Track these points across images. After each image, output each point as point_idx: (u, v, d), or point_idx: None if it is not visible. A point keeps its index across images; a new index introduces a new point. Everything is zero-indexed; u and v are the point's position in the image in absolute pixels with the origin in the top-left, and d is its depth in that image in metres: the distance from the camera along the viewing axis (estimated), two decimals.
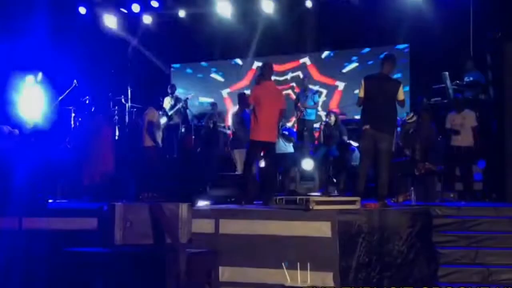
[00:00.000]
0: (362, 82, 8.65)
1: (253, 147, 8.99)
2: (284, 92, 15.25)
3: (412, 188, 9.30)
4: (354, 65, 15.13)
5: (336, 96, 15.25)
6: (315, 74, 15.34)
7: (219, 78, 16.62)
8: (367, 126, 8.39)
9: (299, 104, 13.29)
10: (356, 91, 9.15)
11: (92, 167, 9.87)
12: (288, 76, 15.76)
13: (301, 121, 13.26)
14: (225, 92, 16.44)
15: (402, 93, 8.54)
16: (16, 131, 10.38)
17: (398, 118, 11.47)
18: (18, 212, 7.90)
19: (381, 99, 8.38)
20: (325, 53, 15.65)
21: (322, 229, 6.56)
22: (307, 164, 11.44)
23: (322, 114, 14.53)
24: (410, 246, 7.27)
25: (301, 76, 14.78)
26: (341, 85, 15.16)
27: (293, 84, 15.45)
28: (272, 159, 9.16)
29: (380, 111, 8.38)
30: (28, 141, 10.31)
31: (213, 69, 16.69)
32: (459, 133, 10.37)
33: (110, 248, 5.95)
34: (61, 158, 11.85)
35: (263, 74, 9.12)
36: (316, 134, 13.44)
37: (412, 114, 10.85)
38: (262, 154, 9.34)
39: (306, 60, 15.68)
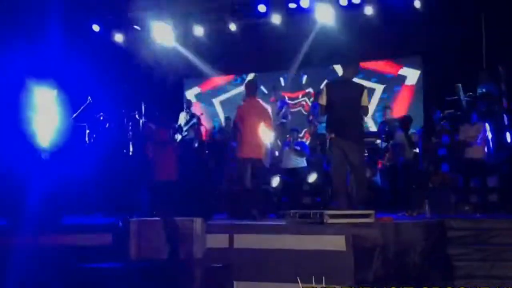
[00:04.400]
0: (324, 88, 8.33)
1: (241, 165, 8.95)
2: (296, 109, 15.30)
3: (426, 200, 9.25)
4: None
5: None
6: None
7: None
8: (332, 135, 8.04)
9: (311, 118, 13.25)
10: None
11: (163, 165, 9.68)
12: (300, 99, 15.85)
13: (315, 135, 13.21)
14: None
15: (366, 99, 8.14)
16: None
17: (417, 130, 11.46)
18: (33, 229, 7.95)
19: (344, 106, 7.99)
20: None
21: (337, 242, 6.54)
22: (312, 178, 11.47)
23: None
24: (425, 259, 7.23)
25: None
26: None
27: (304, 102, 15.43)
28: (259, 175, 9.03)
29: (344, 119, 7.99)
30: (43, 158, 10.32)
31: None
32: (472, 145, 10.33)
33: (125, 263, 5.96)
34: (76, 174, 11.90)
35: (248, 91, 9.08)
36: None
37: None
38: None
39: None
